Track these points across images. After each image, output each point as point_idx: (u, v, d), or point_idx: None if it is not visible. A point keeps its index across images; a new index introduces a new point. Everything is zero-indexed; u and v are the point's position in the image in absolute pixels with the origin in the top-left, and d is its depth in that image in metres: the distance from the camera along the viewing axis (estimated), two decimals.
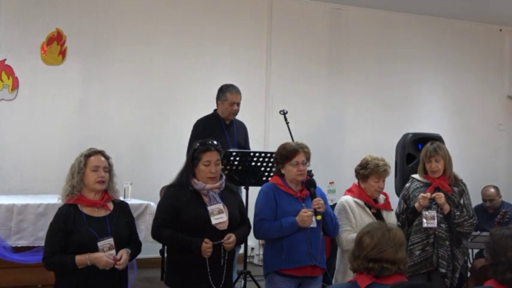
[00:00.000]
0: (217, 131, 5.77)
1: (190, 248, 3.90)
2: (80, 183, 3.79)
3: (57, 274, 3.79)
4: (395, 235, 2.91)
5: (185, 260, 3.96)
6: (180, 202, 3.98)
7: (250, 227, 4.31)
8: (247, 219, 4.32)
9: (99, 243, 3.70)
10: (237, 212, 4.14)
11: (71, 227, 3.70)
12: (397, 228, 3.04)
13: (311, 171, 4.75)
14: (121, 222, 3.87)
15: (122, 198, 4.44)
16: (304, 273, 4.29)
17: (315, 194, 4.37)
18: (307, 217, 4.23)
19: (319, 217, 4.27)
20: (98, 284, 3.70)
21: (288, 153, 4.36)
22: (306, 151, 4.39)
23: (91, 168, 3.79)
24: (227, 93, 5.91)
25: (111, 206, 3.88)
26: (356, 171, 4.69)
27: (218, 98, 5.98)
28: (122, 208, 3.96)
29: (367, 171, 4.58)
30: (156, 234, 4.05)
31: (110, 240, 3.73)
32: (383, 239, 2.89)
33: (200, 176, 4.04)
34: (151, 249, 5.49)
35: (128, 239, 3.88)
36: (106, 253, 3.69)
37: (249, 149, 6.11)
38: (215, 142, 4.15)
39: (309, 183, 4.42)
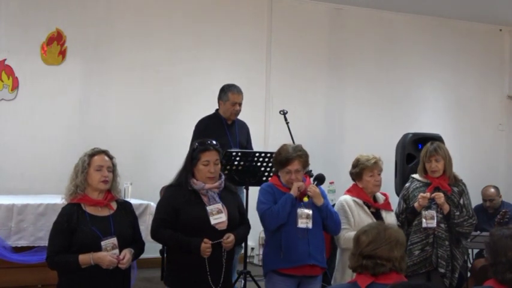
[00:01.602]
0: (219, 131, 5.77)
1: (189, 248, 3.90)
2: (84, 182, 3.79)
3: (60, 273, 3.79)
4: (390, 234, 2.95)
5: (185, 260, 3.95)
6: (179, 202, 3.98)
7: (249, 227, 4.30)
8: (247, 220, 4.31)
9: (103, 243, 3.70)
10: (236, 212, 4.13)
11: (74, 227, 3.70)
12: (395, 228, 3.07)
13: (311, 171, 4.74)
14: (124, 221, 3.87)
15: None
16: (302, 273, 4.29)
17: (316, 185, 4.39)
18: (298, 186, 4.25)
19: (305, 199, 4.28)
20: (101, 283, 3.70)
21: (282, 160, 4.35)
22: (301, 159, 4.33)
23: (95, 168, 3.80)
24: (229, 93, 5.90)
25: (114, 205, 3.89)
26: (350, 173, 4.72)
27: (220, 98, 5.97)
28: (126, 208, 3.96)
29: (359, 167, 4.61)
30: (156, 234, 4.05)
31: (113, 240, 3.73)
32: (378, 237, 2.93)
33: (199, 175, 4.04)
34: (151, 249, 5.46)
35: (131, 239, 3.89)
36: (109, 252, 3.70)
37: (252, 149, 6.11)
38: (214, 142, 4.14)
39: (317, 177, 4.44)
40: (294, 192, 4.28)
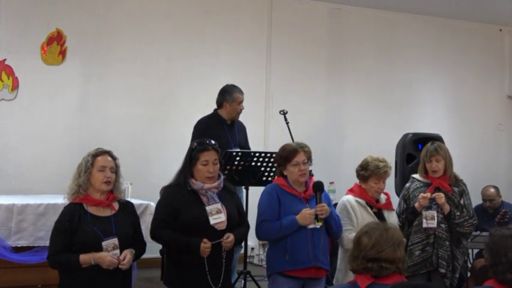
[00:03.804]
0: (220, 131, 5.77)
1: (189, 249, 3.89)
2: (87, 182, 3.80)
3: (61, 273, 3.80)
4: (393, 234, 2.92)
5: (184, 260, 3.95)
6: (178, 202, 3.98)
7: (248, 227, 4.30)
8: (246, 220, 4.30)
9: (104, 243, 3.70)
10: (235, 211, 4.12)
11: (76, 226, 3.71)
12: (394, 227, 3.05)
13: (311, 171, 4.73)
14: (126, 222, 3.88)
15: None
16: (307, 275, 4.26)
17: (320, 199, 4.29)
18: (309, 214, 4.20)
19: (319, 223, 4.22)
20: (102, 283, 3.71)
21: (288, 154, 4.33)
22: (306, 150, 4.34)
23: (98, 168, 3.80)
24: (234, 93, 5.90)
25: (116, 206, 3.90)
26: (357, 172, 4.67)
27: (224, 99, 5.93)
28: (127, 208, 3.97)
29: (367, 172, 4.56)
30: (155, 234, 4.04)
31: (114, 240, 3.74)
32: (381, 239, 2.89)
33: (198, 175, 4.03)
34: (151, 249, 5.44)
35: (132, 239, 3.89)
36: (110, 253, 3.70)
37: (249, 148, 6.11)
38: (213, 142, 4.14)
39: (317, 187, 4.34)
40: (301, 220, 4.20)
